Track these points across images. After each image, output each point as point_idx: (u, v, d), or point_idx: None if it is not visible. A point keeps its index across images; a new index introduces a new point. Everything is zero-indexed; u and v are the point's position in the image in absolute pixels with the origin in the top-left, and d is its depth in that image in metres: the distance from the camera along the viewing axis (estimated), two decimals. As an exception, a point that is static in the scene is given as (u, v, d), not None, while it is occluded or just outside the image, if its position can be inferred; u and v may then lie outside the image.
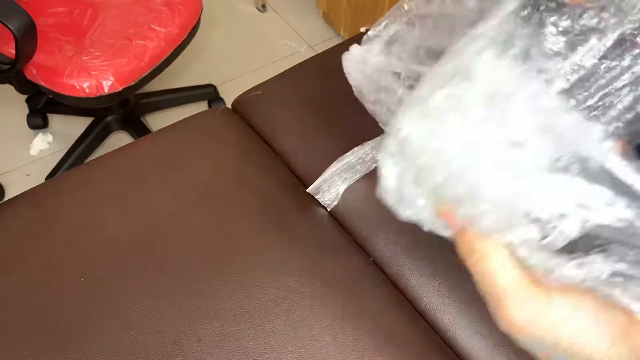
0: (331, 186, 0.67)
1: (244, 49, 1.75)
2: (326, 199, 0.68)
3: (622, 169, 0.30)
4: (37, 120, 1.51)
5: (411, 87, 0.49)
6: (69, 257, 0.62)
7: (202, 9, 1.27)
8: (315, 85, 0.80)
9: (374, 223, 0.66)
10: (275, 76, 0.82)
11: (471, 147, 0.32)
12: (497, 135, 0.31)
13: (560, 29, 0.34)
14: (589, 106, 0.34)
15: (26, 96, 1.49)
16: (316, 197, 0.68)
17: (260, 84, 0.81)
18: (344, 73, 0.80)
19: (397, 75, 0.51)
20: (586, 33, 0.34)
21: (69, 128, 1.52)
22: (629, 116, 0.33)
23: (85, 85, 1.09)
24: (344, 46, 0.92)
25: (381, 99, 0.54)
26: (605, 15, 0.34)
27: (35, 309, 0.57)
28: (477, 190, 0.32)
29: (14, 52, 1.01)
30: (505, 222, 0.32)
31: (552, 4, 0.35)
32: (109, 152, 0.74)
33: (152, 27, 1.17)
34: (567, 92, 0.33)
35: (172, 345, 0.55)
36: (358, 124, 0.70)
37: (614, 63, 0.34)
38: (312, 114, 0.76)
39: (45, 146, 1.51)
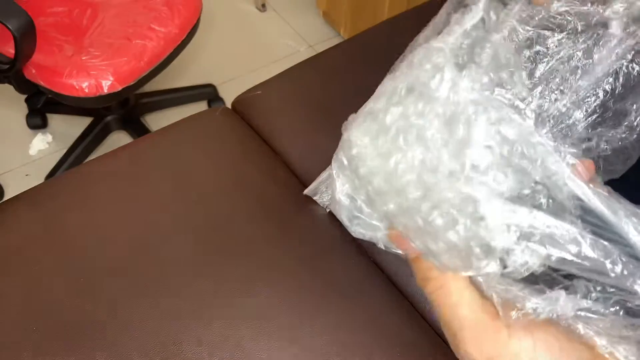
0: (329, 187, 0.67)
1: (244, 48, 1.75)
2: (324, 199, 0.68)
3: (590, 197, 0.28)
4: (37, 120, 1.51)
5: None
6: (68, 257, 0.61)
7: (201, 9, 1.27)
8: (315, 85, 0.80)
9: (374, 223, 0.66)
10: (275, 76, 0.82)
11: (427, 175, 0.30)
12: (455, 162, 0.29)
13: (522, 45, 0.33)
14: (555, 129, 0.32)
15: (25, 96, 1.49)
16: (314, 198, 0.68)
17: (260, 83, 0.81)
18: (343, 73, 0.80)
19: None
20: (549, 51, 0.33)
21: (68, 128, 1.52)
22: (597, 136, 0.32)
23: (85, 85, 1.09)
24: (344, 46, 0.92)
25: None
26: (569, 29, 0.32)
27: (35, 309, 0.57)
28: (433, 225, 0.30)
29: (13, 51, 1.01)
30: (462, 260, 0.30)
31: (514, 20, 0.33)
32: (108, 152, 0.74)
33: (151, 27, 1.17)
34: (532, 114, 0.31)
35: (171, 346, 0.55)
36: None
37: (579, 82, 0.32)
38: (312, 113, 0.76)
39: (45, 146, 1.50)
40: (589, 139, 0.34)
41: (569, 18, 0.33)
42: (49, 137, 1.52)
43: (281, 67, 0.84)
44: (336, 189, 0.36)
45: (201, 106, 1.60)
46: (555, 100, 0.34)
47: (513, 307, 0.29)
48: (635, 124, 0.34)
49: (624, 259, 0.27)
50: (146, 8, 1.20)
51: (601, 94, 0.34)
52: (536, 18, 0.33)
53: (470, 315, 0.30)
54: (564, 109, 0.34)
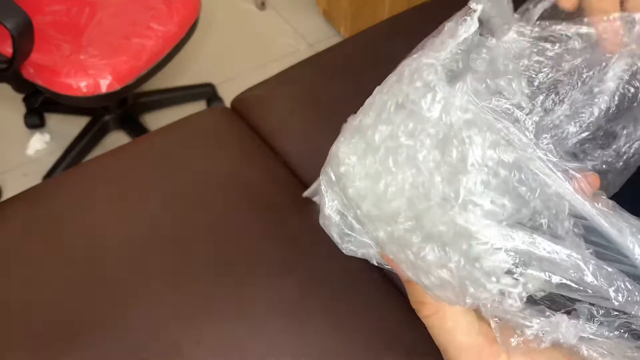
0: None
1: (243, 47, 1.75)
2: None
3: (593, 216, 0.27)
4: (34, 119, 1.51)
5: None
6: (66, 257, 0.61)
7: (200, 7, 1.26)
8: (315, 84, 0.79)
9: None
10: (275, 75, 0.82)
11: (419, 200, 0.28)
12: (448, 187, 0.28)
13: (522, 54, 0.31)
14: (554, 145, 0.30)
15: (23, 95, 1.48)
16: (314, 199, 0.68)
17: (260, 83, 0.81)
18: (343, 72, 0.80)
19: None
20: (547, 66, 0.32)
21: (66, 127, 1.51)
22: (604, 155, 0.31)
23: (83, 84, 1.08)
24: (344, 45, 0.92)
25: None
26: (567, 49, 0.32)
27: (34, 310, 0.57)
28: (425, 260, 0.29)
29: (11, 50, 1.01)
30: (456, 295, 0.29)
31: (512, 31, 0.32)
32: (106, 152, 0.73)
33: (150, 26, 1.16)
34: (533, 131, 0.30)
35: (171, 346, 0.55)
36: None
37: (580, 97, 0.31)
38: (311, 113, 0.76)
39: (43, 146, 1.50)
40: (575, 155, 0.33)
41: (569, 34, 0.32)
42: (47, 137, 1.51)
43: (281, 66, 0.83)
44: (325, 204, 0.34)
45: (200, 106, 1.59)
46: (551, 111, 0.33)
47: (512, 332, 0.28)
48: (622, 150, 0.33)
49: (628, 286, 0.26)
50: (145, 7, 1.19)
51: (596, 111, 0.33)
52: (535, 30, 0.32)
53: (466, 341, 0.30)
54: (557, 121, 0.33)
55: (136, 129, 1.47)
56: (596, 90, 0.32)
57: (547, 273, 0.27)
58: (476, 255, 0.28)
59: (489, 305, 0.29)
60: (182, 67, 1.64)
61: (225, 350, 0.55)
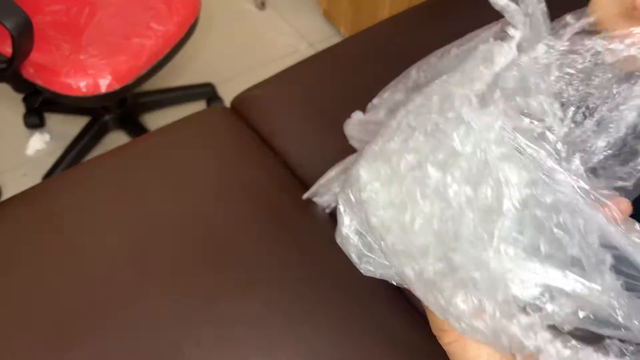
0: (330, 188, 0.67)
1: (243, 47, 1.75)
2: (324, 199, 0.67)
3: (624, 245, 0.26)
4: (34, 119, 1.50)
5: None
6: (66, 257, 0.61)
7: (200, 7, 1.26)
8: (315, 84, 0.79)
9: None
10: (275, 75, 0.82)
11: (449, 239, 0.27)
12: (482, 228, 0.26)
13: (552, 65, 0.30)
14: (592, 170, 0.29)
15: (23, 95, 1.48)
16: (314, 199, 0.67)
17: (260, 82, 0.81)
18: (344, 72, 0.80)
19: None
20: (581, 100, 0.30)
21: (66, 127, 1.51)
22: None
23: (83, 84, 1.08)
24: (345, 45, 0.92)
25: None
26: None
27: (33, 310, 0.57)
28: (456, 308, 0.28)
29: (10, 50, 1.01)
30: (489, 342, 0.28)
31: (543, 43, 0.31)
32: (106, 152, 0.73)
33: (150, 25, 1.16)
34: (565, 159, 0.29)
35: (170, 347, 0.55)
36: (358, 124, 0.70)
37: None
38: (311, 113, 0.75)
39: (42, 146, 1.50)
40: (595, 170, 0.32)
41: (599, 49, 0.31)
42: (47, 137, 1.51)
43: (281, 66, 0.83)
44: (343, 224, 0.33)
45: (200, 105, 1.59)
46: (580, 124, 0.31)
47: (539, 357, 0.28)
48: (638, 168, 0.32)
49: None
50: (144, 6, 1.19)
51: (623, 128, 0.32)
52: (565, 44, 0.31)
53: None
54: (585, 136, 0.31)
55: (136, 129, 1.47)
56: (624, 106, 0.31)
57: (577, 309, 0.27)
58: (512, 298, 0.27)
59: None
60: (182, 67, 1.64)
61: (225, 350, 0.55)
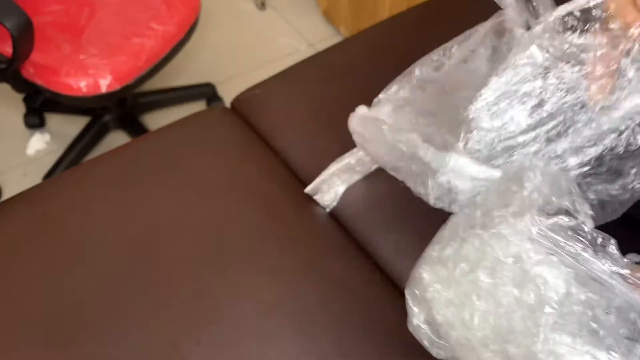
0: (330, 187, 0.67)
1: (243, 47, 1.75)
2: (325, 199, 0.67)
3: None
4: (34, 119, 1.50)
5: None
6: (66, 257, 0.61)
7: (200, 7, 1.26)
8: (315, 84, 0.79)
9: (374, 224, 0.66)
10: (275, 75, 0.82)
11: (504, 332, 0.32)
12: (530, 322, 0.31)
13: (537, 74, 0.34)
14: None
15: (23, 95, 1.48)
16: (315, 197, 0.68)
17: (260, 83, 0.81)
18: (344, 72, 0.80)
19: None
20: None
21: (66, 127, 1.51)
22: None
23: (83, 84, 1.08)
24: (345, 45, 0.92)
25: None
26: None
27: (33, 310, 0.57)
28: None
29: (10, 50, 1.01)
30: None
31: (534, 44, 0.34)
32: (106, 152, 0.73)
33: (150, 26, 1.16)
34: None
35: (170, 347, 0.55)
36: (358, 124, 0.70)
37: None
38: (311, 113, 0.75)
39: (43, 146, 1.50)
40: (579, 185, 0.35)
41: (589, 56, 0.34)
42: (47, 137, 1.51)
43: (281, 66, 0.83)
44: (414, 315, 0.38)
45: (200, 105, 1.59)
46: (554, 141, 0.35)
47: None
48: (631, 186, 0.35)
49: None
50: (144, 6, 1.19)
51: (601, 148, 0.35)
52: (555, 45, 0.34)
53: None
54: (559, 151, 0.35)
55: (136, 129, 1.47)
56: (605, 127, 0.34)
57: None
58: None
59: None
60: (182, 66, 1.64)
61: (225, 350, 0.55)
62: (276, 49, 1.74)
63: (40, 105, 1.50)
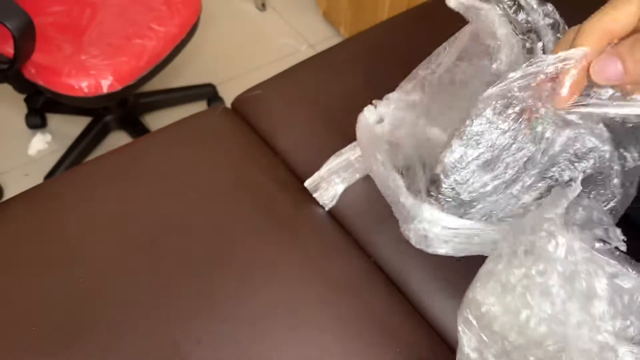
0: (330, 185, 0.67)
1: (244, 48, 1.75)
2: (325, 198, 0.67)
3: None
4: (36, 119, 1.51)
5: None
6: (67, 257, 0.61)
7: (201, 8, 1.26)
8: (316, 84, 0.79)
9: (375, 223, 0.66)
10: (275, 75, 0.82)
11: (559, 326, 0.34)
12: (582, 313, 0.33)
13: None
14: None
15: (25, 96, 1.48)
16: (314, 195, 0.68)
17: (260, 83, 0.81)
18: (344, 72, 0.80)
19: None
20: None
21: (67, 128, 1.52)
22: None
23: (84, 84, 1.09)
24: (345, 45, 0.92)
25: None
26: None
27: (34, 310, 0.57)
28: None
29: (12, 51, 1.01)
30: None
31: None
32: (107, 152, 0.74)
33: (151, 26, 1.16)
34: None
35: (171, 346, 0.55)
36: (358, 124, 0.70)
37: None
38: (312, 113, 0.76)
39: (44, 146, 1.50)
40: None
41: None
42: (48, 137, 1.52)
43: (281, 66, 0.83)
44: (464, 345, 0.40)
45: (201, 106, 1.60)
46: (510, 187, 0.41)
47: None
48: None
49: None
50: (145, 7, 1.20)
51: (547, 182, 0.41)
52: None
53: None
54: (515, 193, 0.41)
55: (137, 129, 1.47)
56: (547, 163, 0.40)
57: None
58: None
59: None
60: (182, 67, 1.64)
61: (226, 350, 0.55)
62: (276, 50, 1.74)
63: (41, 106, 1.51)
